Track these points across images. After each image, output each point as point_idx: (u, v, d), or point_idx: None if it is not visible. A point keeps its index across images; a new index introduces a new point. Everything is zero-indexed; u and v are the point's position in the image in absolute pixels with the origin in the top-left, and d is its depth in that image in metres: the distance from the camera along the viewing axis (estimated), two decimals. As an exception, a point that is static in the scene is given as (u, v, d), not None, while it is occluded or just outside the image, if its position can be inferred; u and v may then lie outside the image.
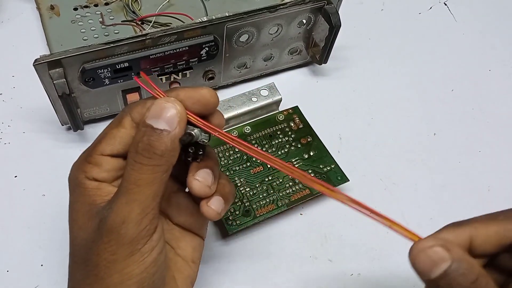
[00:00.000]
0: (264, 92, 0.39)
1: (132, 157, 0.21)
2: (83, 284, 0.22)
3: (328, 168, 0.36)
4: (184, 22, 0.41)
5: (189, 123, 0.23)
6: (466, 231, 0.22)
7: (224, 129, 0.38)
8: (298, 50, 0.42)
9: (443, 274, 0.20)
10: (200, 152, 0.24)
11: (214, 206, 0.24)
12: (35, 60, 0.30)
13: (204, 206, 0.24)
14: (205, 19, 0.34)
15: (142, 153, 0.21)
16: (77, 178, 0.23)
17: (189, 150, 0.23)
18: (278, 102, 0.39)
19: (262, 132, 0.38)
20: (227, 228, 0.32)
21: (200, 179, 0.23)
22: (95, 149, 0.23)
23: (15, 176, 0.35)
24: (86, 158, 0.23)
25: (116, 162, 0.23)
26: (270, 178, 0.35)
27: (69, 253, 0.24)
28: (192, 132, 0.23)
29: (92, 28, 0.41)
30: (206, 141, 0.23)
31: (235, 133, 0.37)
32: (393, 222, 0.22)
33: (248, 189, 0.34)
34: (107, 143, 0.23)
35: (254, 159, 0.36)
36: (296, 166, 0.36)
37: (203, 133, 0.23)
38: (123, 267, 0.21)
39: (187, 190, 0.26)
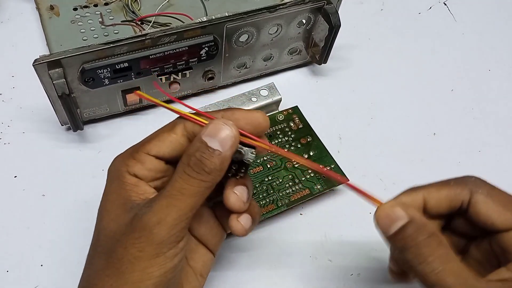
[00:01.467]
0: (264, 92, 0.39)
1: (183, 167, 0.22)
2: (102, 275, 0.23)
3: (328, 168, 0.36)
4: (183, 22, 0.41)
5: (240, 143, 0.24)
6: (420, 194, 0.25)
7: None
8: (298, 50, 0.42)
9: (399, 230, 0.23)
10: (242, 170, 0.25)
11: (243, 222, 0.25)
12: (35, 60, 0.31)
13: (233, 221, 0.25)
14: (205, 19, 0.34)
15: (192, 166, 0.22)
16: (119, 170, 0.24)
17: (232, 166, 0.24)
18: (277, 102, 0.39)
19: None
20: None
21: (238, 194, 0.25)
22: (142, 147, 0.24)
23: (15, 176, 0.35)
24: (132, 154, 0.24)
25: (158, 164, 0.24)
26: (270, 178, 0.35)
27: (92, 242, 0.24)
28: (242, 151, 0.24)
29: (92, 28, 0.41)
30: (251, 160, 0.24)
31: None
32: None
33: (248, 189, 0.34)
34: (155, 144, 0.24)
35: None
36: (296, 166, 0.36)
37: (250, 153, 0.24)
38: (146, 266, 0.22)
39: (210, 205, 0.28)
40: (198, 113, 0.24)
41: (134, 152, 0.24)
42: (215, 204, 0.28)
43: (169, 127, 0.25)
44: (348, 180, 0.35)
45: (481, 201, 0.24)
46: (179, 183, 0.22)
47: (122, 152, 0.25)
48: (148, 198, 0.24)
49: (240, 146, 0.24)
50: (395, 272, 0.27)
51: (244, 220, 0.25)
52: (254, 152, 0.24)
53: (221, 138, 0.22)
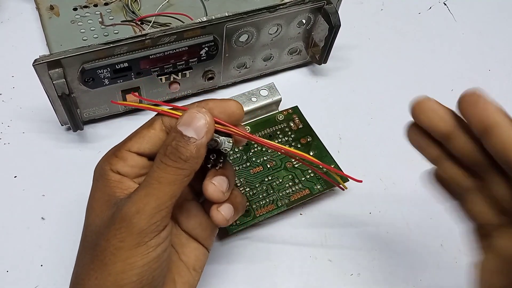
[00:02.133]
0: (264, 92, 0.39)
1: (160, 157, 0.23)
2: (87, 269, 0.23)
3: (326, 170, 0.36)
4: (183, 22, 0.41)
5: (216, 131, 0.24)
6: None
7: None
8: (298, 50, 0.42)
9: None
10: (221, 160, 0.25)
11: (224, 212, 0.25)
12: (35, 60, 0.30)
13: (214, 211, 0.25)
14: (205, 19, 0.34)
15: (169, 155, 0.23)
16: (102, 169, 0.25)
17: (211, 157, 0.25)
18: (277, 102, 0.39)
19: (262, 132, 0.38)
20: (227, 228, 0.32)
21: (216, 184, 0.25)
22: (124, 145, 0.25)
23: (15, 177, 0.35)
24: (114, 152, 0.25)
25: (141, 160, 0.25)
26: (269, 178, 0.35)
27: (80, 241, 0.25)
28: (218, 139, 0.24)
29: (92, 28, 0.41)
30: (228, 149, 0.25)
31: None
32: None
33: (248, 189, 0.34)
34: (135, 141, 0.25)
35: (254, 159, 0.36)
36: (296, 166, 0.36)
37: (226, 142, 0.25)
38: (127, 256, 0.22)
39: (200, 201, 0.28)
40: (174, 108, 0.25)
41: (116, 150, 0.25)
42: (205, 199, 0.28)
43: (148, 124, 0.25)
44: (348, 180, 0.35)
45: None
46: (156, 172, 0.23)
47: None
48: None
49: (216, 135, 0.24)
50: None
51: (224, 210, 0.25)
52: (231, 141, 0.25)
53: (196, 126, 0.23)
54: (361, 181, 0.28)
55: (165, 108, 0.25)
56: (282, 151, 0.26)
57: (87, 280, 0.23)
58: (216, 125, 0.24)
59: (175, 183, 0.23)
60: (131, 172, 0.24)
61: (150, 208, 0.22)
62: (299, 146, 0.37)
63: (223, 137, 0.24)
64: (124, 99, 0.37)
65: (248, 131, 0.37)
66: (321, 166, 0.27)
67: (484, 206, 0.22)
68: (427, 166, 0.40)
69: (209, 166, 0.25)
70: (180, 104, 0.41)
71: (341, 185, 0.30)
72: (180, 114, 0.24)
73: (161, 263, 0.23)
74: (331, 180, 0.32)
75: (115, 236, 0.22)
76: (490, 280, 0.22)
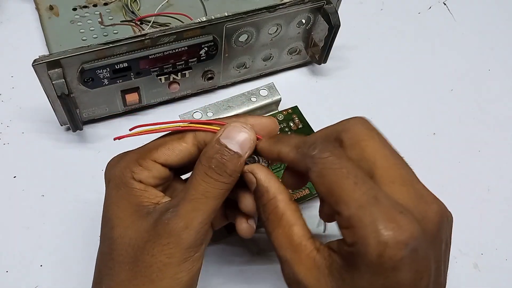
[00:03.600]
0: (264, 92, 0.39)
1: (205, 170, 0.22)
2: (128, 285, 0.22)
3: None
4: (183, 22, 0.41)
5: None
6: (277, 147, 0.24)
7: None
8: (298, 50, 0.42)
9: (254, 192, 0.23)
10: None
11: (253, 224, 0.26)
12: (34, 61, 0.30)
13: (243, 224, 0.26)
14: (204, 19, 0.34)
15: (215, 169, 0.22)
16: (124, 176, 0.24)
17: None
18: (277, 102, 0.39)
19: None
20: (227, 228, 0.32)
21: (251, 224, 0.26)
22: (150, 154, 0.24)
23: (14, 177, 0.35)
24: (138, 160, 0.24)
25: (164, 172, 0.24)
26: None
27: (104, 251, 0.24)
28: (256, 157, 0.25)
29: (91, 28, 0.41)
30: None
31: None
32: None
33: (247, 189, 0.34)
34: (163, 153, 0.24)
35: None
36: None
37: (262, 161, 0.25)
38: (175, 272, 0.22)
39: None
40: (208, 122, 0.24)
41: (140, 158, 0.24)
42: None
43: (178, 136, 0.24)
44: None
45: (313, 179, 0.22)
46: (202, 186, 0.22)
47: (118, 155, 0.25)
48: (160, 202, 0.23)
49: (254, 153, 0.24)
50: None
51: (252, 222, 0.26)
52: (265, 161, 0.25)
53: (240, 140, 0.23)
54: None
55: (196, 121, 0.25)
56: None
57: None
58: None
59: (219, 197, 0.23)
60: (153, 183, 0.24)
61: (198, 223, 0.22)
62: (298, 146, 0.37)
63: (259, 157, 0.25)
64: (124, 99, 0.37)
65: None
66: None
67: None
68: (427, 166, 0.40)
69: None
70: (180, 104, 0.41)
71: None
72: (216, 128, 0.24)
73: (198, 276, 0.24)
74: None
75: (162, 251, 0.22)
76: None
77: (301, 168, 0.23)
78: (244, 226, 0.26)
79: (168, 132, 0.25)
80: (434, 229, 0.21)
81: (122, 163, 0.24)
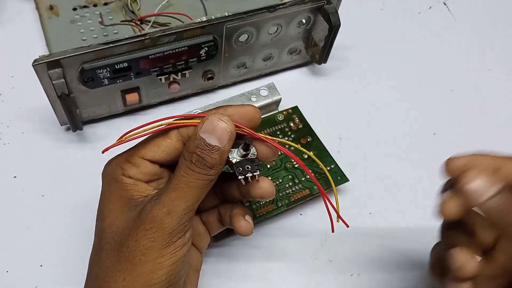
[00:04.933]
0: (264, 92, 0.39)
1: (186, 164, 0.23)
2: (112, 270, 0.23)
3: (328, 168, 0.36)
4: (183, 22, 0.41)
5: (238, 137, 0.24)
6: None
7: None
8: (298, 50, 0.42)
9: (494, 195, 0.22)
10: (257, 167, 0.25)
11: (250, 220, 0.27)
12: (34, 61, 0.30)
13: (241, 221, 0.27)
14: (204, 19, 0.34)
15: (195, 163, 0.23)
16: (114, 173, 0.25)
17: (246, 167, 0.25)
18: (277, 102, 0.39)
19: (262, 132, 0.37)
20: (227, 228, 0.32)
21: (248, 220, 0.27)
22: (137, 151, 0.25)
23: (14, 177, 0.35)
24: (127, 158, 0.25)
25: (153, 168, 0.25)
26: (269, 178, 0.35)
27: (95, 242, 0.25)
28: (249, 144, 0.25)
29: (91, 28, 0.41)
30: (255, 154, 0.25)
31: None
32: None
33: (247, 189, 0.34)
34: (150, 149, 0.25)
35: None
36: (296, 166, 0.36)
37: (252, 148, 0.25)
38: (157, 256, 0.23)
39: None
40: (191, 116, 0.25)
41: (129, 156, 0.25)
42: (202, 211, 0.29)
43: (163, 133, 0.25)
44: (348, 180, 0.35)
45: None
46: (185, 177, 0.23)
47: (114, 156, 0.26)
48: (150, 194, 0.24)
49: (248, 141, 0.24)
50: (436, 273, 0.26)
51: (249, 218, 0.27)
52: (255, 153, 0.25)
53: (218, 133, 0.23)
54: (347, 226, 0.28)
55: (173, 119, 0.25)
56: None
57: (113, 282, 0.23)
58: (238, 130, 0.24)
59: (202, 187, 0.24)
60: (142, 178, 0.25)
61: (180, 210, 0.23)
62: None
63: (251, 145, 0.25)
64: (124, 99, 0.37)
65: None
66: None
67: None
68: (427, 166, 0.40)
69: (247, 178, 0.25)
70: (180, 104, 0.41)
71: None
72: (197, 122, 0.24)
73: (185, 263, 0.24)
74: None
75: (145, 236, 0.23)
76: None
77: None
78: (243, 224, 0.27)
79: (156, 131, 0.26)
80: None
81: (113, 162, 0.26)
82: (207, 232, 0.29)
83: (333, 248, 0.34)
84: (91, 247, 0.32)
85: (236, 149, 0.25)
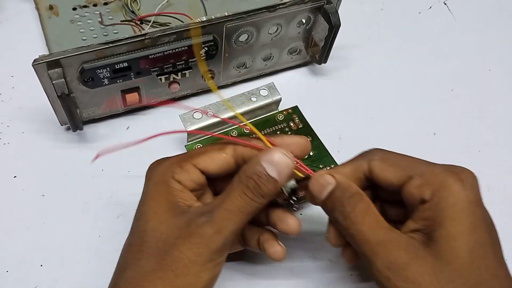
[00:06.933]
0: (264, 92, 0.39)
1: (242, 187, 0.24)
2: (153, 276, 0.23)
3: (328, 168, 0.36)
4: (183, 22, 0.41)
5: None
6: (333, 174, 0.27)
7: (224, 129, 0.38)
8: (298, 50, 0.42)
9: (329, 195, 0.25)
10: (297, 200, 0.27)
11: (283, 245, 0.28)
12: (34, 60, 0.30)
13: (277, 246, 0.28)
14: (204, 19, 0.34)
15: (251, 189, 0.24)
16: (165, 174, 0.25)
17: (293, 198, 0.27)
18: (277, 102, 0.39)
19: (262, 132, 0.38)
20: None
21: (284, 247, 0.28)
22: (191, 159, 0.26)
23: (15, 177, 0.35)
24: (179, 163, 0.26)
25: (201, 178, 0.26)
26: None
27: (135, 244, 0.25)
28: (293, 200, 0.27)
29: (91, 28, 0.41)
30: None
31: (234, 133, 0.37)
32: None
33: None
34: (204, 160, 0.26)
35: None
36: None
37: (294, 204, 0.27)
38: (199, 270, 0.23)
39: None
40: (256, 137, 0.26)
41: (181, 161, 0.26)
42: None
43: (219, 146, 0.26)
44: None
45: (376, 166, 0.26)
46: (239, 201, 0.24)
47: (162, 157, 0.27)
48: (193, 205, 0.25)
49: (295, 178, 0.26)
50: (332, 239, 0.28)
51: (281, 243, 0.28)
52: (296, 206, 0.27)
53: (280, 167, 0.24)
54: None
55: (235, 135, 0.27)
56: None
57: None
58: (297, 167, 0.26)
59: (250, 214, 0.25)
60: (190, 186, 0.25)
61: (229, 231, 0.24)
62: (299, 146, 0.37)
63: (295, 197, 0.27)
64: (124, 99, 0.37)
65: (247, 132, 0.37)
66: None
67: None
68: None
69: (293, 207, 0.27)
70: (179, 104, 0.41)
71: None
72: (257, 145, 0.25)
73: (216, 280, 0.25)
74: None
75: (191, 249, 0.23)
76: None
77: (362, 169, 0.27)
78: (278, 249, 0.27)
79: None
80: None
81: (165, 163, 0.26)
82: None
83: (333, 248, 0.34)
84: (91, 247, 0.32)
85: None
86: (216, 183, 0.28)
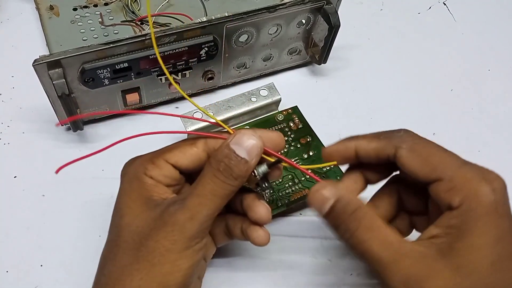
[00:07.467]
0: (264, 92, 0.39)
1: (213, 171, 0.24)
2: (130, 269, 0.23)
3: (328, 168, 0.36)
4: (183, 22, 0.41)
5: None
6: (352, 143, 0.27)
7: (224, 129, 0.38)
8: (298, 50, 0.42)
9: (330, 210, 0.24)
10: (269, 187, 0.27)
11: (267, 229, 0.27)
12: (35, 61, 0.30)
13: (260, 230, 0.27)
14: (205, 19, 0.34)
15: (222, 171, 0.24)
16: (137, 171, 0.25)
17: (264, 184, 0.27)
18: (277, 102, 0.39)
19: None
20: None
21: (268, 206, 0.27)
22: (162, 155, 0.26)
23: (15, 177, 0.35)
24: (151, 159, 0.26)
25: (174, 173, 0.26)
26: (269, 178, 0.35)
27: (111, 239, 0.25)
28: (265, 184, 0.27)
29: (92, 28, 0.41)
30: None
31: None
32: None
33: (247, 189, 0.34)
34: (175, 154, 0.26)
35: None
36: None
37: (269, 187, 0.27)
38: (176, 258, 0.23)
39: None
40: (221, 131, 0.26)
41: (153, 157, 0.26)
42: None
43: (190, 141, 0.26)
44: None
45: (404, 156, 0.25)
46: (210, 185, 0.24)
47: (136, 156, 0.27)
48: (168, 197, 0.25)
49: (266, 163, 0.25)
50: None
51: (264, 227, 0.27)
52: (271, 190, 0.27)
53: (248, 147, 0.24)
54: None
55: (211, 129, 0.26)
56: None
57: (130, 281, 0.23)
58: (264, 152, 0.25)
59: (224, 197, 0.24)
60: (163, 181, 0.25)
61: (202, 216, 0.24)
62: (298, 146, 0.37)
63: (267, 182, 0.26)
64: (124, 99, 0.37)
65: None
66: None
67: None
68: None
69: (262, 193, 0.27)
70: (179, 104, 0.41)
71: None
72: (226, 136, 0.25)
73: (198, 268, 0.25)
74: None
75: (166, 238, 0.23)
76: None
77: (386, 152, 0.25)
78: (261, 233, 0.27)
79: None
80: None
81: (137, 161, 0.26)
82: (213, 243, 0.30)
83: (333, 248, 0.34)
84: (91, 247, 0.32)
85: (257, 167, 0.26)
86: (195, 178, 0.28)
